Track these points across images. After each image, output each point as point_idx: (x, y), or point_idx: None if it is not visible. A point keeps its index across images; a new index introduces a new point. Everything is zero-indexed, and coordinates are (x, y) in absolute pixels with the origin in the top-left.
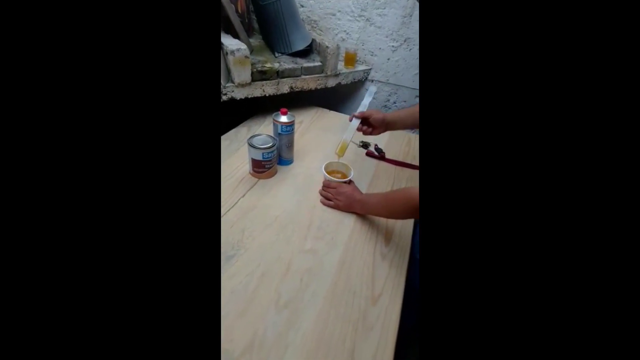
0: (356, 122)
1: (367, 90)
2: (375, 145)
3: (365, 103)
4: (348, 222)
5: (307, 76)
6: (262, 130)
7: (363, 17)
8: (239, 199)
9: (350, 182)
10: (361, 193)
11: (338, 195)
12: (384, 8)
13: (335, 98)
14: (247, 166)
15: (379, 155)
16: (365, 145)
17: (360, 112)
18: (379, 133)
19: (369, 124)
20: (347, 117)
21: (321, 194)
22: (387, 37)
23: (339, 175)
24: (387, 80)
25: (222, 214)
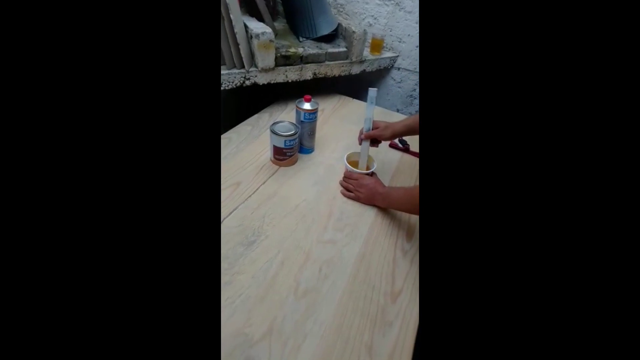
0: (367, 144)
1: (368, 97)
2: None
3: (369, 116)
4: (369, 215)
5: (332, 62)
6: (284, 117)
7: (392, 1)
8: (260, 186)
9: (372, 174)
10: (384, 186)
11: (359, 187)
12: None
13: (359, 86)
14: (268, 153)
15: (403, 147)
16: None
17: (366, 133)
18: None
19: (376, 141)
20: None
21: (342, 185)
22: (417, 22)
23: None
24: (415, 69)
25: (243, 200)
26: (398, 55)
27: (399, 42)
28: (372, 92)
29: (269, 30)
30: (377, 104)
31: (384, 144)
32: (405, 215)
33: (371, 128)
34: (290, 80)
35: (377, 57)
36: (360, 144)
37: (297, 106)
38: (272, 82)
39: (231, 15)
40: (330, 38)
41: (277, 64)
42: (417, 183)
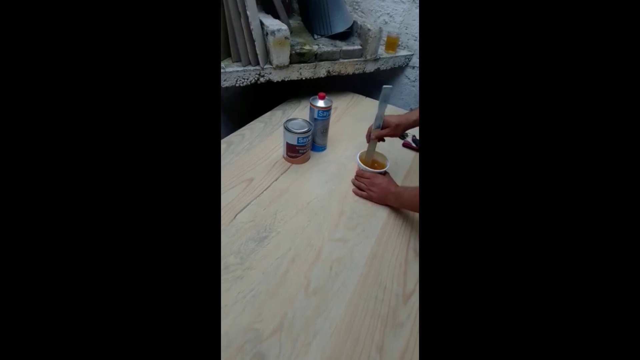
0: (375, 142)
1: (382, 95)
2: (413, 136)
3: (381, 114)
4: (381, 215)
5: (346, 60)
6: (297, 114)
7: None
8: (272, 182)
9: (385, 173)
10: (396, 185)
11: (372, 186)
12: None
13: (373, 84)
14: (281, 150)
15: (417, 146)
16: (402, 135)
17: (378, 133)
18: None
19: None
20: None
21: (354, 184)
22: None
23: (374, 165)
24: None
25: (256, 196)
26: (413, 54)
27: (415, 40)
28: (386, 89)
29: (284, 27)
30: (390, 102)
31: (397, 144)
32: (417, 216)
33: (381, 126)
34: (304, 78)
35: (392, 55)
36: (368, 142)
37: (311, 103)
38: (286, 79)
39: (248, 12)
40: (345, 36)
41: (291, 61)
42: None
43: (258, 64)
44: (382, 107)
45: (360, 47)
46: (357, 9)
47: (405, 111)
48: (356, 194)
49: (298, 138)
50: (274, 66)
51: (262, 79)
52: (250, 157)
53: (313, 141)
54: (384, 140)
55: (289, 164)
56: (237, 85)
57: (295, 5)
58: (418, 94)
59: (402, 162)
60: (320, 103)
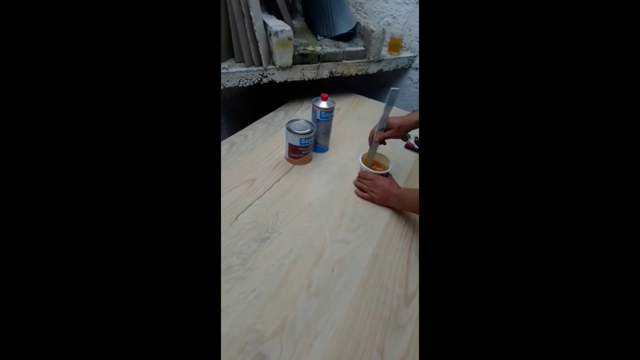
0: (377, 144)
1: (388, 97)
2: (416, 137)
3: (386, 117)
4: (383, 216)
5: (349, 61)
6: (300, 115)
7: (412, 0)
8: (274, 183)
9: (387, 174)
10: (398, 187)
11: (374, 188)
12: None
13: (375, 85)
14: (283, 150)
15: (419, 148)
16: (404, 137)
17: (381, 135)
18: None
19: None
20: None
21: (356, 185)
22: None
23: (376, 167)
24: None
25: (258, 197)
26: (416, 55)
27: (418, 41)
28: (394, 92)
29: (287, 28)
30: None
31: (400, 146)
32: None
33: (384, 128)
34: (307, 79)
35: (395, 56)
36: (370, 144)
37: (313, 104)
38: (289, 80)
39: (251, 13)
40: (348, 37)
41: (294, 62)
42: None
43: (261, 64)
44: (388, 110)
45: (363, 48)
46: (360, 10)
47: (408, 112)
48: (358, 195)
49: (300, 139)
50: (277, 67)
51: (265, 80)
52: (252, 158)
53: (315, 142)
54: (384, 143)
55: (291, 164)
56: (240, 85)
57: (299, 6)
58: None
59: (404, 164)
60: (323, 104)
